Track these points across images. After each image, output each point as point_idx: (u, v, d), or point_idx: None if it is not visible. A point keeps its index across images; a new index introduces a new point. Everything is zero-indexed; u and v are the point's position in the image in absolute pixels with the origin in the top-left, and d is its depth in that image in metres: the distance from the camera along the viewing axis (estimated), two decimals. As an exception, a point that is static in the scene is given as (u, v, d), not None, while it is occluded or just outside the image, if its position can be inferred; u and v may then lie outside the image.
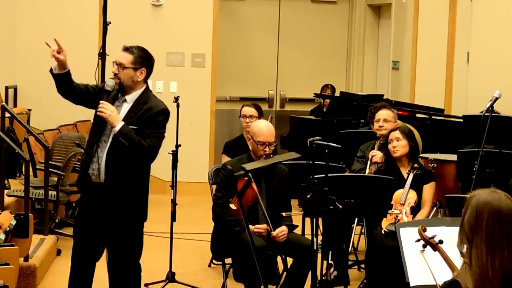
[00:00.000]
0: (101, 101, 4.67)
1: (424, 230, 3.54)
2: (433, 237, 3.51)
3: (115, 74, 4.72)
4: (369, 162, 6.22)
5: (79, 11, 9.27)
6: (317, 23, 11.19)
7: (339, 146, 5.16)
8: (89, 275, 4.95)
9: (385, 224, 5.62)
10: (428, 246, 3.54)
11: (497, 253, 2.89)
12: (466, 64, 8.84)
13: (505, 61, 8.10)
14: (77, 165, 7.01)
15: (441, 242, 3.50)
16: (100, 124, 4.73)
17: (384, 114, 6.38)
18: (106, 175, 4.71)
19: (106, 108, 4.65)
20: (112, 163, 4.70)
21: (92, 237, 4.82)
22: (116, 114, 4.66)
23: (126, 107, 4.75)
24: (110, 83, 4.73)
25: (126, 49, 4.74)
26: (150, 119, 4.73)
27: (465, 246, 2.97)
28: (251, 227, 5.28)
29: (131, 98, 4.76)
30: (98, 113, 4.68)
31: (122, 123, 4.65)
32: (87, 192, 4.87)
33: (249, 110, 6.67)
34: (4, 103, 7.82)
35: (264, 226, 5.37)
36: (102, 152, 4.71)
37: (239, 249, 5.21)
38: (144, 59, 4.73)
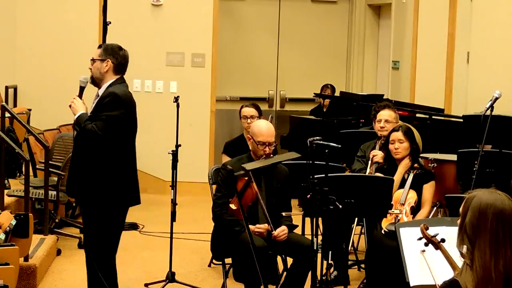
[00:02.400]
0: (74, 96, 4.97)
1: (427, 229, 3.54)
2: (435, 236, 3.51)
3: (90, 70, 5.01)
4: (369, 162, 6.22)
5: (79, 11, 9.26)
6: (317, 23, 11.19)
7: (339, 146, 5.16)
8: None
9: (385, 224, 5.62)
10: (429, 245, 3.54)
11: (501, 254, 2.90)
12: (466, 64, 8.83)
13: (505, 61, 8.09)
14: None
15: (443, 240, 3.50)
16: None
17: (386, 115, 6.37)
18: (70, 165, 5.02)
19: (73, 101, 4.93)
20: (75, 154, 5.00)
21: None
22: (77, 106, 4.91)
23: (96, 101, 4.98)
24: (83, 79, 5.02)
25: (99, 46, 5.09)
26: (99, 102, 4.92)
27: (465, 247, 2.97)
28: (251, 227, 5.28)
29: (101, 91, 4.96)
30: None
31: (80, 112, 4.88)
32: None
33: (249, 111, 6.67)
34: (4, 103, 7.81)
35: (265, 226, 5.37)
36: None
37: (239, 249, 5.21)
38: (109, 50, 4.97)
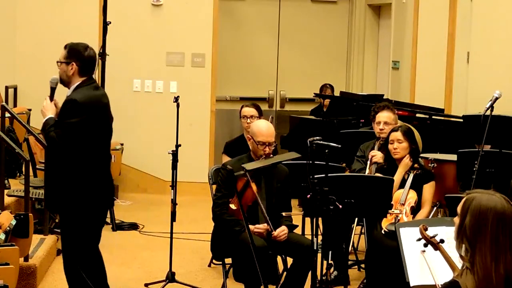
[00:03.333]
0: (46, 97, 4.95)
1: (426, 229, 3.54)
2: (434, 236, 3.51)
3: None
4: (369, 162, 6.22)
5: (79, 11, 9.26)
6: (317, 23, 11.19)
7: (339, 146, 5.16)
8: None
9: (385, 224, 5.62)
10: (429, 246, 3.54)
11: (502, 257, 2.90)
12: (466, 64, 8.83)
13: (505, 61, 8.09)
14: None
15: (442, 241, 3.50)
16: None
17: (385, 117, 6.37)
18: (45, 171, 5.00)
19: (44, 104, 4.93)
20: (47, 158, 5.00)
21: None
22: (46, 109, 4.89)
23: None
24: (52, 79, 4.96)
25: (65, 46, 4.95)
26: (61, 109, 4.87)
27: (463, 249, 2.97)
28: (251, 227, 5.28)
29: (68, 93, 4.92)
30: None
31: (48, 116, 4.85)
32: None
33: (249, 111, 6.67)
34: (4, 103, 7.81)
35: (264, 226, 5.37)
36: None
37: (239, 249, 5.21)
38: (74, 53, 4.87)
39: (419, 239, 3.57)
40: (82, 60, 4.87)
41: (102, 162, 5.00)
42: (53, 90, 4.96)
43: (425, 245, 3.56)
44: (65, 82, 4.91)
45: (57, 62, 4.91)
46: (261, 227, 5.37)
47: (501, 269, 2.89)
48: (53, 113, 4.88)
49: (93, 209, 4.94)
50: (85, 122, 4.78)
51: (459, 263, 3.14)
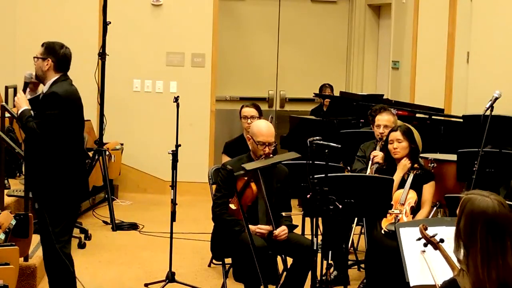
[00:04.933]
0: (18, 90, 5.13)
1: (426, 229, 3.54)
2: (434, 236, 3.51)
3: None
4: (370, 162, 6.22)
5: (79, 11, 9.26)
6: (317, 23, 11.19)
7: (339, 146, 5.16)
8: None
9: (385, 224, 5.62)
10: (429, 245, 3.54)
11: (493, 263, 2.87)
12: (466, 64, 8.83)
13: (505, 61, 8.09)
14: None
15: (442, 241, 3.50)
16: None
17: (385, 120, 6.36)
18: (24, 160, 5.20)
19: (18, 96, 5.10)
20: (26, 148, 5.18)
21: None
22: (21, 101, 5.05)
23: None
24: (27, 74, 5.17)
25: (42, 44, 5.16)
26: (41, 101, 5.05)
27: (462, 252, 2.96)
28: (253, 227, 5.28)
29: (45, 88, 5.10)
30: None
31: (23, 108, 5.02)
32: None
33: (250, 111, 6.67)
34: (4, 103, 7.80)
35: (266, 227, 5.37)
36: None
37: (239, 249, 5.21)
38: (50, 49, 5.11)
39: (419, 239, 3.57)
40: (57, 56, 5.10)
41: (77, 152, 5.20)
42: (26, 84, 5.18)
43: (425, 245, 3.56)
44: (41, 78, 5.12)
45: (34, 57, 5.13)
46: (263, 228, 5.37)
47: (493, 275, 2.86)
48: (28, 106, 5.06)
49: (67, 198, 5.12)
50: (64, 114, 4.99)
51: (458, 262, 3.14)
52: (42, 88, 5.13)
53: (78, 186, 5.18)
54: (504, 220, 2.89)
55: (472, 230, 2.90)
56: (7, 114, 7.51)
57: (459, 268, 3.03)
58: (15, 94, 9.24)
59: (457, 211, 3.00)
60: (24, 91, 5.18)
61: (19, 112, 5.02)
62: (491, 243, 2.87)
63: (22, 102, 5.05)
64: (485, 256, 2.87)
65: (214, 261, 6.53)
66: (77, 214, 5.43)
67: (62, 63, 5.11)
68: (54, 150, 5.00)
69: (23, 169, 6.03)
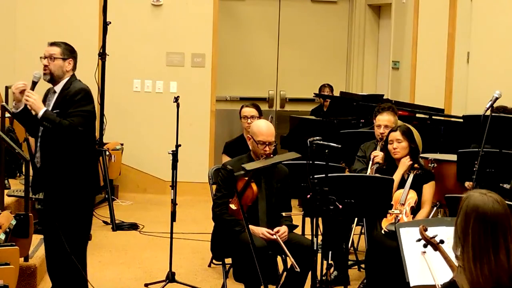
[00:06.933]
0: (27, 90, 5.05)
1: (425, 230, 3.54)
2: (434, 237, 3.51)
3: (46, 67, 5.15)
4: (370, 162, 6.22)
5: (79, 11, 9.26)
6: (317, 23, 11.19)
7: (339, 146, 5.16)
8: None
9: (385, 224, 5.62)
10: (429, 246, 3.54)
11: (485, 260, 2.88)
12: (466, 64, 8.84)
13: (505, 61, 8.10)
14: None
15: (442, 242, 3.50)
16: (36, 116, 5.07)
17: (385, 120, 6.35)
18: (41, 160, 5.08)
19: (30, 96, 5.02)
20: (45, 148, 5.07)
21: (47, 222, 5.19)
22: (39, 102, 5.02)
23: (55, 97, 5.14)
24: (36, 74, 5.15)
25: (53, 43, 5.22)
26: (70, 99, 5.05)
27: (459, 249, 2.97)
28: (257, 230, 5.28)
29: (58, 87, 5.14)
30: (24, 101, 5.04)
31: (45, 108, 4.99)
32: (34, 180, 5.23)
33: (250, 111, 6.67)
34: (4, 103, 7.80)
35: (271, 237, 5.35)
36: (38, 140, 5.13)
37: (239, 249, 5.21)
38: (70, 51, 5.19)
39: (419, 240, 3.57)
40: (76, 58, 5.22)
41: (95, 151, 5.36)
42: (35, 84, 5.15)
43: (425, 246, 3.56)
44: (57, 77, 5.14)
45: (48, 57, 5.13)
46: (269, 233, 5.35)
47: (486, 271, 2.87)
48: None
49: (89, 194, 5.20)
50: (94, 109, 5.13)
51: (456, 259, 3.14)
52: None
53: (96, 181, 5.29)
54: (496, 217, 2.91)
55: (465, 226, 2.92)
56: (7, 114, 7.52)
57: (457, 266, 3.03)
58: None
59: (458, 212, 3.01)
60: (32, 90, 5.13)
61: (41, 113, 4.96)
62: (483, 238, 2.89)
63: (40, 103, 5.02)
64: (477, 251, 2.89)
65: (214, 261, 6.53)
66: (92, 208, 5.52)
67: (76, 64, 5.21)
68: (85, 147, 5.08)
69: (23, 170, 6.03)
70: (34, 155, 5.23)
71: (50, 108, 5.04)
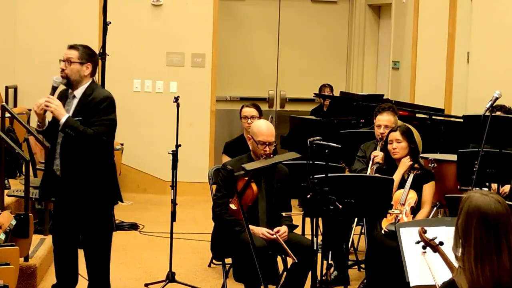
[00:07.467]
0: (48, 96, 4.93)
1: (425, 232, 3.53)
2: (433, 239, 3.50)
3: (63, 70, 5.00)
4: (370, 162, 6.22)
5: (79, 11, 9.26)
6: (317, 23, 11.19)
7: (339, 146, 5.16)
8: (71, 266, 5.25)
9: (385, 224, 5.62)
10: (428, 248, 3.54)
11: (486, 260, 2.88)
12: (466, 64, 8.84)
13: (505, 61, 8.10)
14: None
15: (441, 243, 3.49)
16: (55, 122, 4.97)
17: (385, 120, 6.35)
18: (61, 168, 5.00)
19: (51, 102, 4.91)
20: (65, 156, 5.00)
21: (64, 229, 5.16)
22: (61, 108, 4.92)
23: (75, 102, 5.03)
24: (57, 79, 5.01)
25: (72, 46, 5.06)
26: (94, 107, 4.97)
27: (460, 250, 2.97)
28: (257, 230, 5.28)
29: (78, 92, 5.03)
30: (44, 107, 4.91)
31: (67, 115, 4.91)
32: (53, 187, 5.13)
33: (250, 111, 6.68)
34: (4, 103, 7.80)
35: (272, 237, 5.35)
36: (58, 147, 5.03)
37: (239, 249, 5.21)
38: (89, 55, 5.05)
39: (418, 242, 3.57)
40: (95, 62, 5.09)
41: (113, 155, 5.31)
42: (55, 89, 5.03)
43: (424, 247, 3.55)
44: (75, 82, 5.01)
45: (66, 61, 4.99)
46: (269, 233, 5.35)
47: (487, 272, 2.87)
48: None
49: (111, 202, 5.24)
50: (116, 117, 5.06)
51: (456, 260, 3.14)
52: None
53: (117, 187, 5.25)
54: (499, 218, 2.91)
55: (467, 227, 2.92)
56: (7, 114, 7.52)
57: (457, 266, 3.03)
58: (15, 94, 9.26)
59: (458, 212, 3.01)
60: (52, 95, 5.02)
61: (64, 120, 4.88)
62: (485, 239, 2.89)
63: (61, 109, 4.92)
64: (479, 252, 2.89)
65: (214, 261, 6.53)
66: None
67: (96, 69, 5.10)
68: (107, 155, 5.08)
69: (23, 170, 6.02)
70: (51, 162, 5.08)
71: (70, 114, 4.96)
